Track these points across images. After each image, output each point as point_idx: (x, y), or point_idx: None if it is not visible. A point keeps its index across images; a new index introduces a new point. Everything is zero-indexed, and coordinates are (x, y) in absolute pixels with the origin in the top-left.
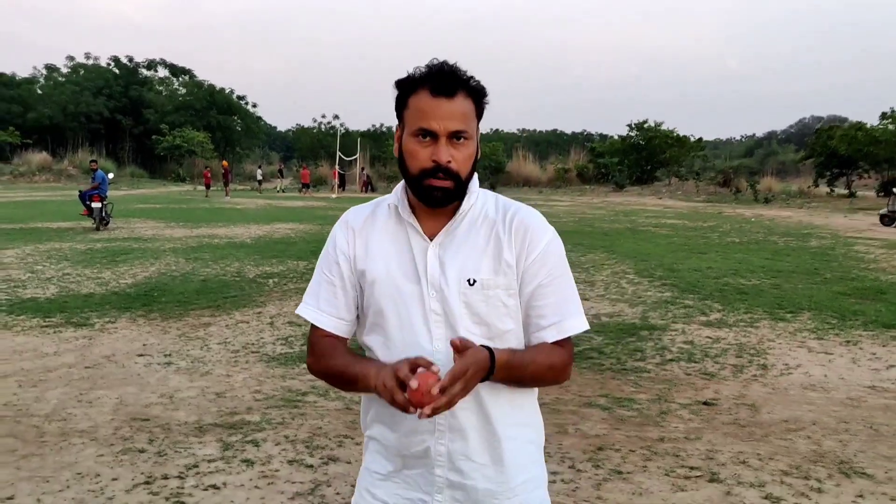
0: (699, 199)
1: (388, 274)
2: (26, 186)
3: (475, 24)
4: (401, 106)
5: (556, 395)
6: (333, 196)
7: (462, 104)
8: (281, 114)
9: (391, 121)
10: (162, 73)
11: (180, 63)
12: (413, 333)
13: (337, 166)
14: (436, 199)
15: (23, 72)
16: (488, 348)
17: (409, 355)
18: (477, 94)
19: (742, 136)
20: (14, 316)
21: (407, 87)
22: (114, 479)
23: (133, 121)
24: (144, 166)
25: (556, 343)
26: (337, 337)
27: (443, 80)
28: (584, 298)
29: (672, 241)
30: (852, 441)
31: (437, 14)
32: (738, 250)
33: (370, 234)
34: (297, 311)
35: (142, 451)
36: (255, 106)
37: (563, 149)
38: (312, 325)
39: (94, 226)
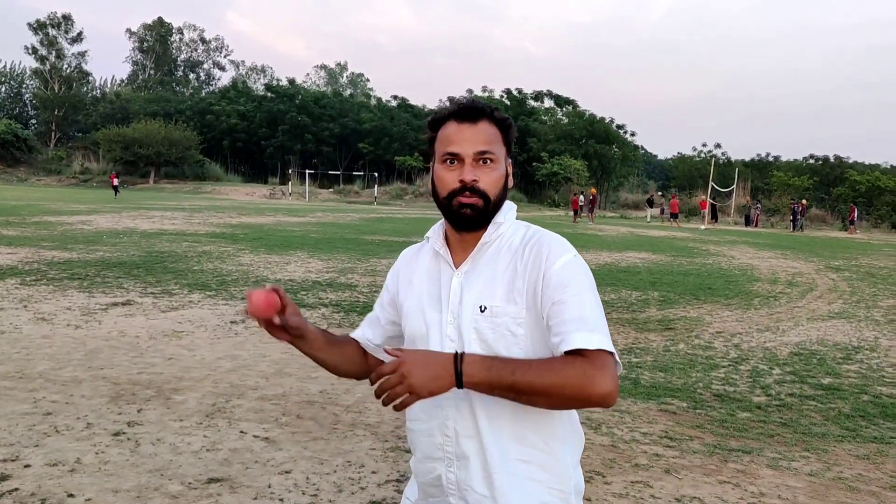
0: None
1: (419, 305)
2: (423, 205)
3: None
4: (432, 141)
5: (860, 470)
6: (702, 227)
7: (486, 129)
8: (661, 142)
9: (778, 150)
10: (547, 103)
11: (565, 94)
12: None
13: (708, 197)
14: (466, 217)
15: (431, 104)
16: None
17: None
18: (502, 124)
19: None
20: (363, 316)
21: (437, 123)
22: (373, 472)
23: (518, 149)
24: (525, 191)
25: (576, 354)
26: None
27: (466, 108)
28: None
29: None
30: None
31: (840, 35)
32: None
33: (413, 271)
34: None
35: (408, 451)
36: (633, 135)
37: None
38: None
39: None
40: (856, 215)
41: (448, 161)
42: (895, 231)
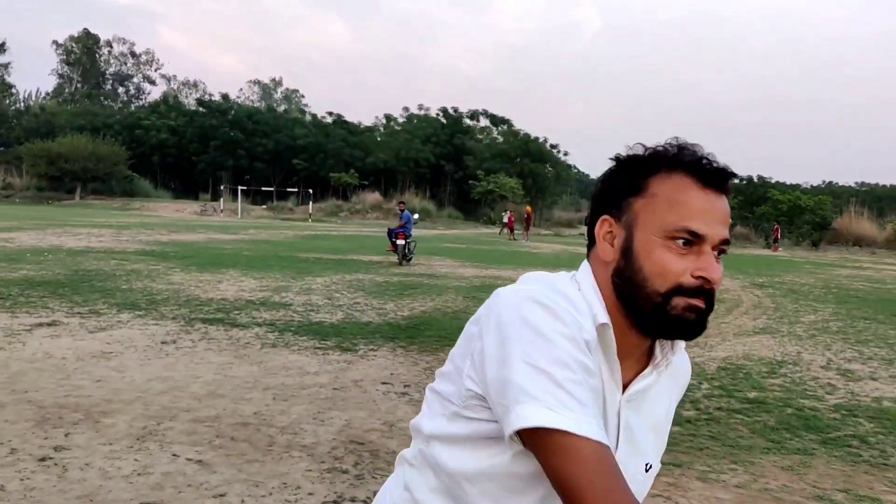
0: None
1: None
2: (359, 222)
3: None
4: (630, 189)
5: (785, 481)
6: None
7: (728, 204)
8: (594, 162)
9: None
10: (483, 122)
11: (500, 113)
12: None
13: None
14: (687, 326)
15: (367, 121)
16: None
17: None
18: (729, 195)
19: None
20: (298, 336)
21: (649, 166)
22: (310, 494)
23: (454, 166)
24: (461, 209)
25: None
26: None
27: (713, 167)
28: (871, 378)
29: None
30: None
31: (767, 59)
32: None
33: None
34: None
35: (344, 471)
36: (566, 154)
37: None
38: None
39: (398, 261)
40: (779, 234)
41: (682, 242)
42: (816, 249)
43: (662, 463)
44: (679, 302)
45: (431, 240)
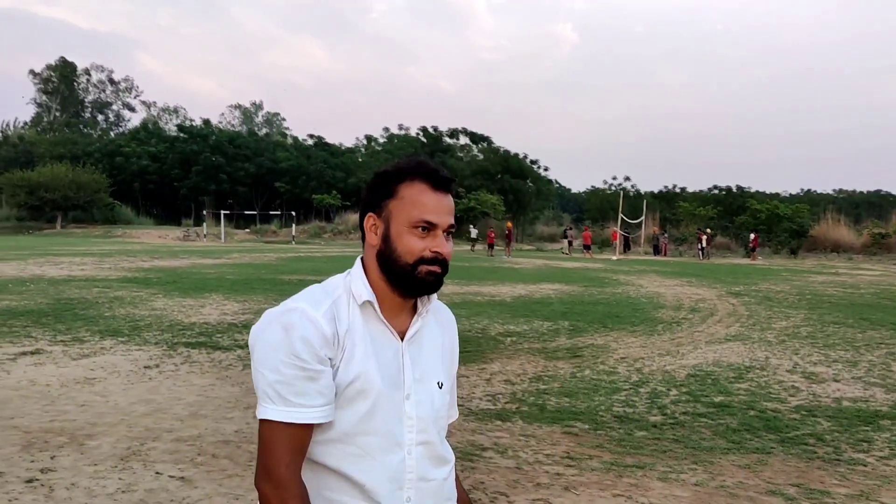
0: None
1: (372, 377)
2: (342, 243)
3: (798, 78)
4: (385, 194)
5: (741, 478)
6: (614, 258)
7: (452, 200)
8: (575, 176)
9: (683, 182)
10: (463, 140)
11: (480, 131)
12: (389, 441)
13: (619, 228)
14: (430, 283)
15: (348, 142)
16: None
17: (386, 464)
18: (456, 195)
19: None
20: None
21: (397, 177)
22: None
23: None
24: None
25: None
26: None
27: (443, 177)
28: (834, 380)
29: None
30: None
31: (737, 73)
32: None
33: (354, 334)
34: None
35: None
36: (546, 169)
37: (885, 211)
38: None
39: None
40: (758, 242)
41: (421, 228)
42: (794, 256)
43: (626, 466)
44: (422, 269)
45: None
